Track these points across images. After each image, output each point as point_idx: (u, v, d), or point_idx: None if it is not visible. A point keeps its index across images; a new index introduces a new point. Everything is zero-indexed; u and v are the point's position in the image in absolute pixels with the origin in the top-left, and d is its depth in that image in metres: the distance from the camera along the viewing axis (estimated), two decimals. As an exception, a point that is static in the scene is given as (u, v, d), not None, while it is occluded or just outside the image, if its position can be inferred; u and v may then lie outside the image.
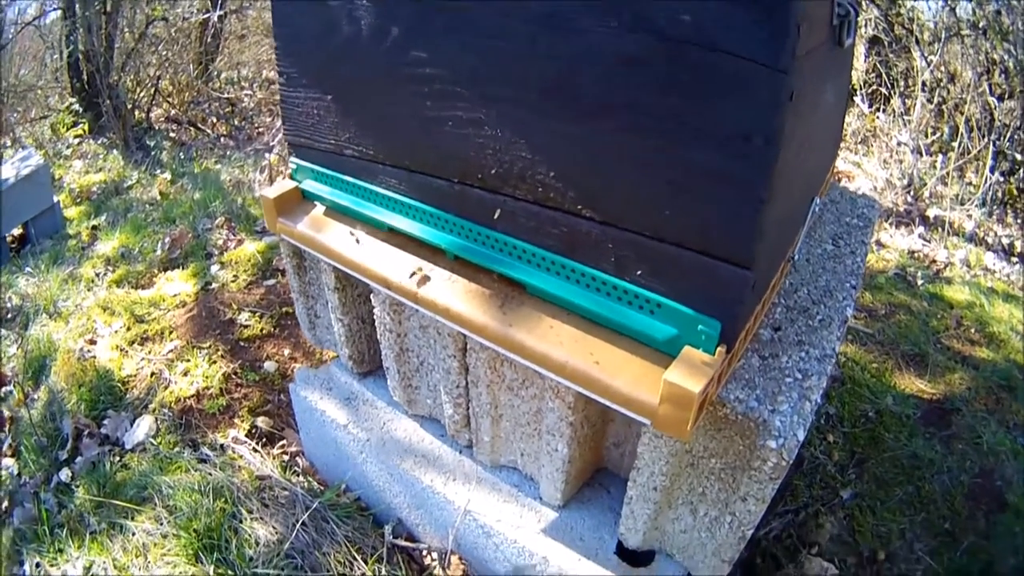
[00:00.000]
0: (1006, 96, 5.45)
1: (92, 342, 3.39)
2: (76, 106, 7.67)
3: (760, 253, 1.19)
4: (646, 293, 1.32)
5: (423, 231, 1.67)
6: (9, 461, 2.85)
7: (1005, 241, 4.92)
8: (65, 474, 2.68)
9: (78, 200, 5.83)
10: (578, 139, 1.29)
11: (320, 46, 1.70)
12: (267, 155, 5.90)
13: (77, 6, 6.94)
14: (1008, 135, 5.34)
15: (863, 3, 5.84)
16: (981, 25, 5.51)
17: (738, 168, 1.11)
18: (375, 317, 2.05)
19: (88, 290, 4.01)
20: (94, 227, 5.15)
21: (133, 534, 2.28)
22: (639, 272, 1.32)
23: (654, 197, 1.23)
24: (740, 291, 1.21)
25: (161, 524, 2.27)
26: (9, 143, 7.58)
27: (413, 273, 1.67)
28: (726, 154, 1.11)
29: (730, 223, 1.16)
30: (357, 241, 1.82)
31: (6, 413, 3.05)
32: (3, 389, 3.23)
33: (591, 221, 1.34)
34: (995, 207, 5.26)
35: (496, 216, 1.49)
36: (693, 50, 1.08)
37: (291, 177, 2.03)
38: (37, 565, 2.32)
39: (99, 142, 7.32)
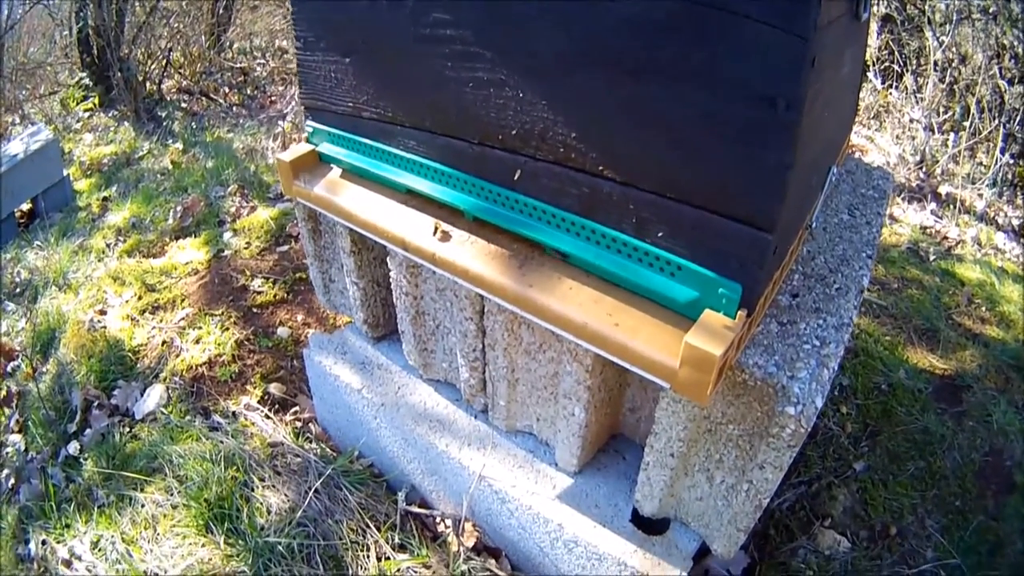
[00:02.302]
0: (1016, 80, 5.43)
1: (102, 312, 3.38)
2: (86, 80, 7.64)
3: (782, 217, 1.18)
4: (667, 255, 1.31)
5: (442, 192, 1.66)
6: (16, 437, 2.85)
7: (1016, 222, 4.90)
8: (73, 447, 2.69)
9: (88, 173, 5.82)
10: (600, 100, 1.28)
11: (338, 8, 1.69)
12: (280, 123, 5.89)
13: (86, -19, 6.92)
14: (1018, 119, 5.32)
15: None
16: (991, 10, 5.49)
17: (762, 131, 1.10)
18: (391, 280, 2.04)
19: (98, 261, 4.01)
20: (105, 198, 5.15)
21: (142, 506, 2.28)
22: (660, 234, 1.31)
23: (677, 159, 1.22)
24: (762, 255, 1.20)
25: (171, 495, 2.27)
26: (18, 120, 7.58)
27: (435, 229, 1.66)
28: (750, 117, 1.10)
29: (753, 185, 1.16)
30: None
31: (14, 388, 3.05)
32: (11, 364, 3.23)
33: (612, 182, 1.33)
34: (1005, 188, 5.25)
35: (516, 177, 1.48)
36: (719, 15, 1.07)
37: (307, 140, 2.02)
38: (43, 543, 2.32)
39: (110, 115, 7.31)
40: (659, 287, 1.34)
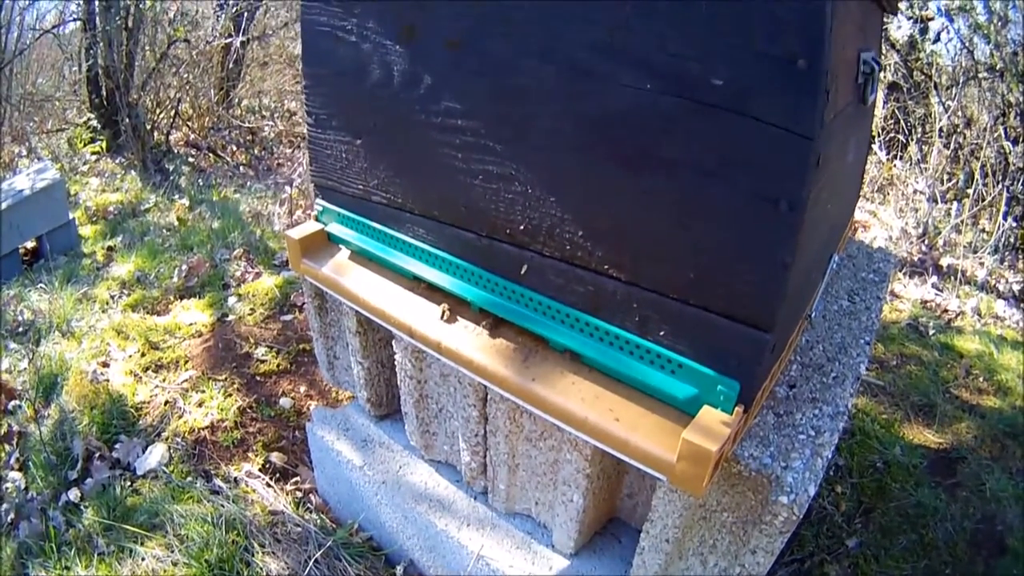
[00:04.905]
0: (1021, 140, 5.45)
1: (105, 365, 3.40)
2: (94, 122, 7.63)
3: (781, 315, 1.21)
4: (668, 353, 1.34)
5: (449, 282, 1.68)
6: (16, 475, 2.84)
7: (1016, 288, 4.90)
8: (74, 494, 2.68)
9: (94, 219, 5.83)
10: (607, 199, 1.31)
11: (351, 89, 1.71)
12: (287, 188, 5.87)
13: (98, 19, 6.92)
14: (1022, 180, 5.34)
15: (883, 48, 5.87)
16: (998, 67, 5.51)
17: (764, 233, 1.13)
18: (396, 363, 2.05)
19: (103, 312, 4.02)
20: (110, 248, 5.16)
21: (143, 559, 2.28)
22: (662, 332, 1.33)
23: (680, 258, 1.25)
24: (760, 353, 1.23)
25: (172, 552, 2.27)
26: (25, 152, 7.59)
27: (443, 313, 1.68)
28: (752, 218, 1.13)
29: (754, 287, 1.18)
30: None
31: (15, 427, 3.06)
32: (11, 403, 3.24)
33: (616, 280, 1.35)
34: (1007, 252, 5.25)
35: (523, 271, 1.51)
36: (724, 115, 1.10)
37: (316, 219, 2.04)
38: (42, 580, 2.32)
39: (117, 161, 7.33)
40: (660, 384, 1.36)
